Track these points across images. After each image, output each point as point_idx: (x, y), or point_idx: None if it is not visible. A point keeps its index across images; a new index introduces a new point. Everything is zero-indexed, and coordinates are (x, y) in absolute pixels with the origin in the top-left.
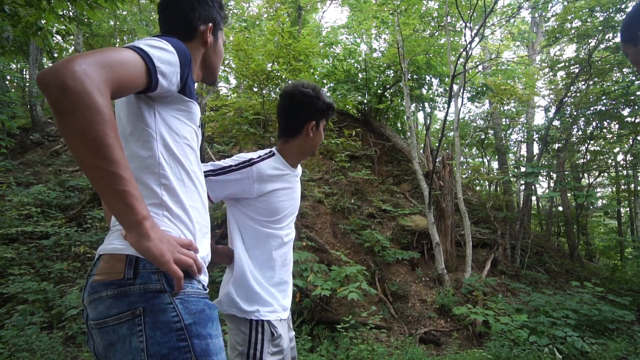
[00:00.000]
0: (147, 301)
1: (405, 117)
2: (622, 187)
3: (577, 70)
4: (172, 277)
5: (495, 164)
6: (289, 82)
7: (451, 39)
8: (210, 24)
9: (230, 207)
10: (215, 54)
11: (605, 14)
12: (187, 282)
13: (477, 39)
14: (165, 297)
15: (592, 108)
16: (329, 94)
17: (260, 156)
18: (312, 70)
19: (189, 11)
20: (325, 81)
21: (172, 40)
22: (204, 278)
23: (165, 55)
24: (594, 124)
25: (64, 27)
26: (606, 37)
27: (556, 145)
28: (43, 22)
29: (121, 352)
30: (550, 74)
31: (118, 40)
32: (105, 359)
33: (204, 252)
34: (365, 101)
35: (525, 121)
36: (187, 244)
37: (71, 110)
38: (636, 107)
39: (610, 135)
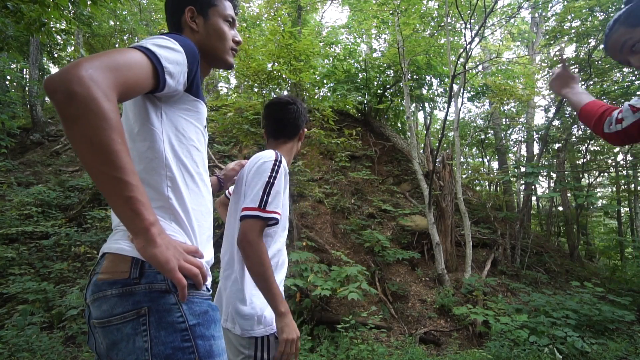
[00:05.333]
0: (153, 301)
1: (405, 117)
2: (622, 187)
3: (577, 70)
4: None
5: (495, 164)
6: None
7: (451, 39)
8: (190, 7)
9: None
10: (209, 36)
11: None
12: (190, 282)
13: (477, 39)
14: (170, 298)
15: None
16: (329, 94)
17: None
18: (312, 70)
19: (170, 4)
20: (325, 81)
21: (179, 38)
22: (208, 280)
23: (172, 54)
24: None
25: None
26: None
27: (556, 145)
28: (45, 19)
29: (125, 351)
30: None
31: (118, 40)
32: (108, 358)
33: (209, 257)
34: (365, 101)
35: (525, 121)
36: (193, 250)
37: (77, 116)
38: None
39: None
